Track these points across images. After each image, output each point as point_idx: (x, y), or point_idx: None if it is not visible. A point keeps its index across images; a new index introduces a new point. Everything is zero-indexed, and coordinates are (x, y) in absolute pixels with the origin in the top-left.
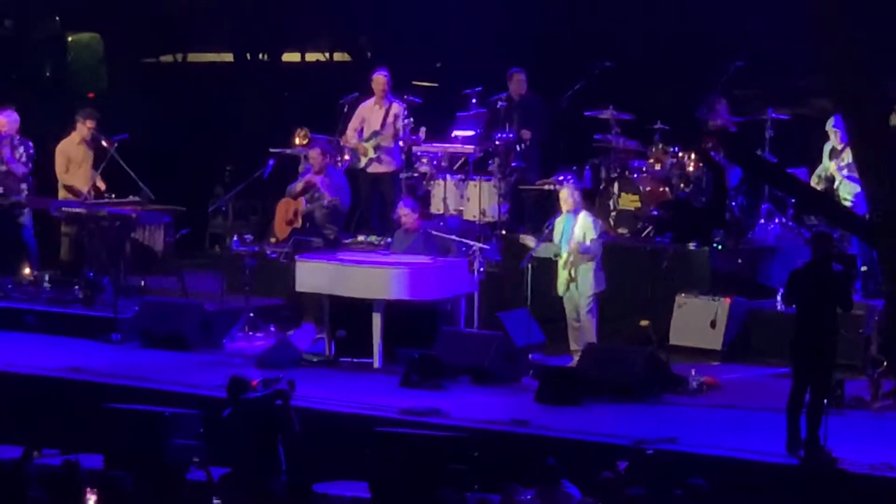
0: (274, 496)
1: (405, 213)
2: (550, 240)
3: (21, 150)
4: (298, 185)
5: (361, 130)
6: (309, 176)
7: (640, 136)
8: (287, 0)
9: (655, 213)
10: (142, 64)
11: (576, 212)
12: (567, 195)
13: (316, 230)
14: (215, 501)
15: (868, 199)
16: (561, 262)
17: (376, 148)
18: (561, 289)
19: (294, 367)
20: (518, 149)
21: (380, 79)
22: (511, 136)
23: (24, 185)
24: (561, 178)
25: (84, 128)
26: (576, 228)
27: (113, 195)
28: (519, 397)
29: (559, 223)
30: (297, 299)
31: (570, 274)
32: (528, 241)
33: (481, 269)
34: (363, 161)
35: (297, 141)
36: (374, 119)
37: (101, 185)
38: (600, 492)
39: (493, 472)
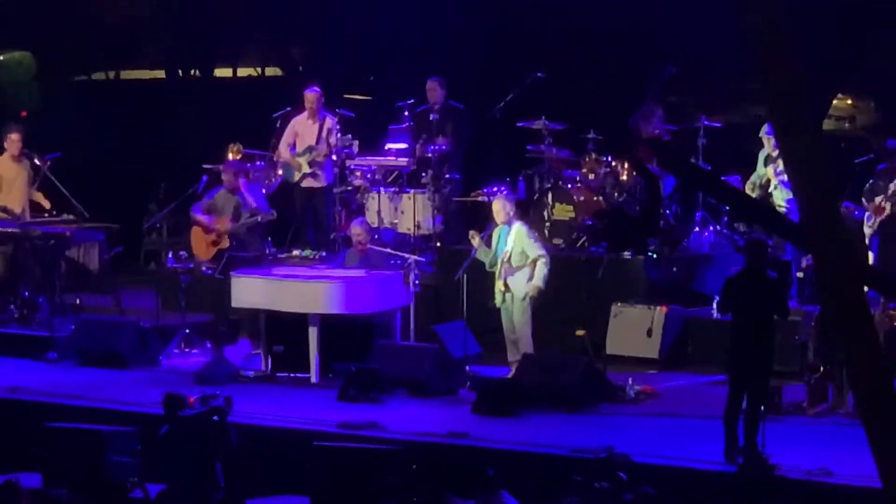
0: None
1: (358, 233)
2: (489, 246)
3: None
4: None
5: (294, 145)
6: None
7: (572, 146)
8: (218, 15)
9: (590, 222)
10: (74, 82)
11: (509, 223)
12: (500, 207)
13: (244, 247)
14: None
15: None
16: (496, 273)
17: (311, 163)
18: (497, 300)
19: (231, 383)
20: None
21: (311, 96)
22: (444, 147)
23: None
24: (494, 189)
25: (12, 143)
26: (510, 240)
27: (54, 212)
28: (456, 409)
29: (495, 234)
30: (233, 315)
31: (504, 285)
32: (475, 239)
33: (416, 282)
34: (297, 176)
35: (230, 156)
36: (307, 134)
37: (46, 204)
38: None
39: (433, 484)
